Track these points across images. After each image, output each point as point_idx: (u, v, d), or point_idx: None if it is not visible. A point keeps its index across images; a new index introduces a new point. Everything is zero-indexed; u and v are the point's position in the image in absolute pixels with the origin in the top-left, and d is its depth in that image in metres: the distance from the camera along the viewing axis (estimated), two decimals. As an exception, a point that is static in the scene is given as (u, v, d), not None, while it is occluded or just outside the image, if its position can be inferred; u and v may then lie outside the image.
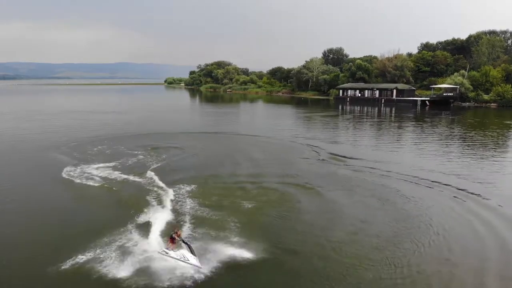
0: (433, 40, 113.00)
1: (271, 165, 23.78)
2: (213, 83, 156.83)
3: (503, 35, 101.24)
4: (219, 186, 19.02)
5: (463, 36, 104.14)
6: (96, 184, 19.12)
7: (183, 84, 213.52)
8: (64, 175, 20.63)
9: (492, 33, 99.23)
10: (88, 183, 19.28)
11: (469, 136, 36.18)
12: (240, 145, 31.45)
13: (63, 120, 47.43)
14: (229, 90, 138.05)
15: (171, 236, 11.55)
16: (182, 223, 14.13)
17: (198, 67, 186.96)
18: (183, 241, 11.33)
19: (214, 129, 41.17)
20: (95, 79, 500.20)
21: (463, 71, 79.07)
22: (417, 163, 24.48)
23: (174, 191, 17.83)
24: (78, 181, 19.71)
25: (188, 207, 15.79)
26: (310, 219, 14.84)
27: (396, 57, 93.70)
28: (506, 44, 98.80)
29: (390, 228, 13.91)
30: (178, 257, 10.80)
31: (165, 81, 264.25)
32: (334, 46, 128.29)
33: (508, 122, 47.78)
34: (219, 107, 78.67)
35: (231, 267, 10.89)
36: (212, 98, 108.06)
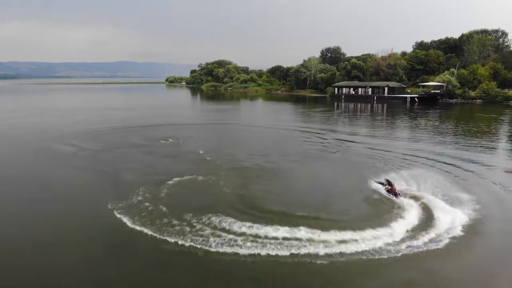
0: (428, 39, 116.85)
1: (269, 147, 28.30)
2: (214, 82, 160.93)
3: (494, 34, 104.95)
4: (231, 161, 23.45)
5: (457, 35, 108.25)
6: (127, 164, 23.53)
7: (184, 83, 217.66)
8: (92, 160, 25.09)
9: (484, 32, 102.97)
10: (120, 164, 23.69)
11: (448, 126, 40.50)
12: (243, 133, 36.38)
13: (78, 115, 51.71)
14: (229, 88, 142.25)
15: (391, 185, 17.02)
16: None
17: (199, 66, 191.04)
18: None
19: (218, 122, 46.06)
20: (95, 78, 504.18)
21: (453, 69, 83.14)
22: (399, 145, 29.34)
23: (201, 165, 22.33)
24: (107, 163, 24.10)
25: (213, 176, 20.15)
26: (291, 183, 19.41)
27: (390, 56, 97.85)
28: (497, 42, 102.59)
29: (346, 190, 18.19)
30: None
31: (167, 80, 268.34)
32: (332, 45, 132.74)
33: (486, 115, 52.33)
34: (221, 104, 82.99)
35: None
36: (214, 96, 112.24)
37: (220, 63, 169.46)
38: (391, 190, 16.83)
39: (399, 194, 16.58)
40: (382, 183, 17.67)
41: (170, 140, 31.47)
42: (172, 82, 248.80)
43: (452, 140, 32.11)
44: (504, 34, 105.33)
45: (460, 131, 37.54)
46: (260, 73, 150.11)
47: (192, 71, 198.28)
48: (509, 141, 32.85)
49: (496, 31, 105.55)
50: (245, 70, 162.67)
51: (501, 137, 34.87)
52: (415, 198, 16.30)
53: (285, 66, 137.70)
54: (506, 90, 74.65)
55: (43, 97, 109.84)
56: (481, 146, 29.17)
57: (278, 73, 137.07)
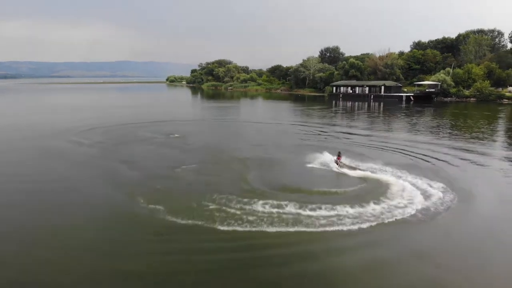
0: (426, 39, 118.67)
1: (271, 140, 30.58)
2: (214, 81, 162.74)
3: (490, 34, 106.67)
4: (235, 152, 25.40)
5: (454, 34, 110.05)
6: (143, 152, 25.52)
7: (184, 82, 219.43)
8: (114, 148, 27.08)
9: (480, 32, 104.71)
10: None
11: (437, 122, 42.47)
12: (246, 128, 38.71)
13: (84, 113, 53.74)
14: (230, 87, 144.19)
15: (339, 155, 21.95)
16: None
17: (199, 65, 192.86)
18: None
19: (221, 119, 48.25)
20: (96, 78, 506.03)
21: (449, 68, 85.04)
22: (392, 138, 31.80)
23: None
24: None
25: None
26: (290, 168, 21.30)
27: (387, 55, 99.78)
28: (493, 42, 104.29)
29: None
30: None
31: (167, 79, 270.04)
32: (332, 44, 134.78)
33: (475, 113, 54.44)
34: (222, 102, 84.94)
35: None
36: (214, 95, 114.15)
37: (221, 63, 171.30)
38: (337, 160, 21.68)
39: (338, 164, 21.33)
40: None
41: (172, 135, 33.19)
42: (172, 81, 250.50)
43: (436, 133, 34.33)
44: (500, 34, 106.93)
45: (445, 126, 39.75)
46: (260, 73, 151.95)
47: (193, 71, 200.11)
48: (490, 134, 34.87)
49: (492, 31, 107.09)
50: (245, 70, 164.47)
51: (484, 130, 36.83)
52: (353, 170, 20.45)
53: (284, 66, 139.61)
54: (500, 89, 76.57)
55: (48, 96, 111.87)
56: (464, 138, 31.23)
57: (278, 73, 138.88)
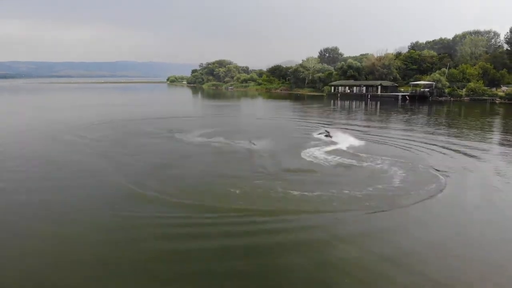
0: (423, 40, 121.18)
1: (269, 132, 32.79)
2: (215, 81, 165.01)
3: (486, 35, 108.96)
4: (238, 143, 27.25)
5: (451, 35, 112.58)
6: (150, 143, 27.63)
7: (185, 82, 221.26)
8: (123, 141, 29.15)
9: (477, 33, 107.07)
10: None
11: (428, 119, 44.81)
12: (247, 123, 41.19)
13: (91, 111, 55.67)
14: (230, 87, 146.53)
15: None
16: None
17: (200, 65, 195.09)
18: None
19: (223, 115, 50.67)
20: (96, 78, 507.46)
21: (444, 69, 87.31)
22: (388, 132, 34.02)
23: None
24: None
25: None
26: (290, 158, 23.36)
27: (385, 56, 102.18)
28: (489, 43, 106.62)
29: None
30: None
31: (168, 79, 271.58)
32: (331, 44, 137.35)
33: (467, 110, 56.88)
34: (224, 101, 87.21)
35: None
36: (215, 95, 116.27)
37: (221, 63, 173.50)
38: (328, 135, 28.71)
39: (331, 136, 28.31)
40: (322, 133, 29.36)
41: (176, 130, 34.91)
42: (173, 81, 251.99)
43: (426, 127, 36.67)
44: (496, 35, 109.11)
45: (435, 121, 42.17)
46: (260, 73, 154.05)
47: (193, 71, 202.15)
48: (474, 128, 37.21)
49: (489, 32, 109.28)
50: (245, 70, 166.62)
51: (471, 125, 39.14)
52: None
53: (284, 66, 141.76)
54: (494, 89, 78.82)
55: (53, 96, 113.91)
56: (451, 132, 33.54)
57: (278, 73, 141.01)
